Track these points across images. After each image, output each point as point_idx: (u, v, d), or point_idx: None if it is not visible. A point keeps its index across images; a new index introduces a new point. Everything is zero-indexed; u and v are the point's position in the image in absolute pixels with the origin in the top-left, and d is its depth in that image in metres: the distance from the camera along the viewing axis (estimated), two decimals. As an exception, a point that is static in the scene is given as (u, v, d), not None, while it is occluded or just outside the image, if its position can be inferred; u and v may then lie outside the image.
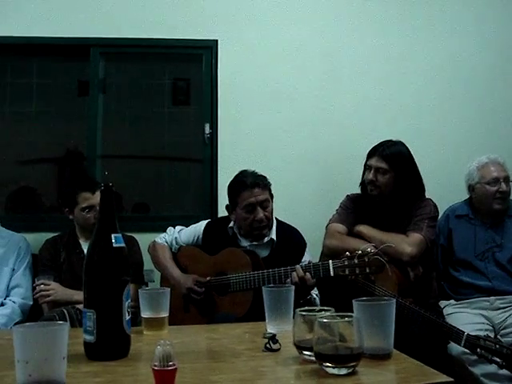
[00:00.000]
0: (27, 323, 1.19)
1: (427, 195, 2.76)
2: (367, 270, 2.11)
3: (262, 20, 3.40)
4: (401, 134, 2.91)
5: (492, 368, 2.23)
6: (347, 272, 2.15)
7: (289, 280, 2.25)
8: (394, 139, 2.76)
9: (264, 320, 1.63)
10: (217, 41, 3.36)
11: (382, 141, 2.75)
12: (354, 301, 1.33)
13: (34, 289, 2.72)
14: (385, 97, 3.42)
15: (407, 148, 2.74)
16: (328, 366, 1.17)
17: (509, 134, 3.43)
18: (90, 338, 1.32)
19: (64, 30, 3.28)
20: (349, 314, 1.24)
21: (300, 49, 3.41)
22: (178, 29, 3.34)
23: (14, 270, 2.82)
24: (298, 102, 3.38)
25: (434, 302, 2.73)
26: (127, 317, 1.36)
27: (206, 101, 3.41)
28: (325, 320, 1.21)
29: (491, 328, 2.56)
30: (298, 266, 2.30)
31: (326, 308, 1.37)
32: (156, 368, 1.09)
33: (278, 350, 1.38)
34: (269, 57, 3.39)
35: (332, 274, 2.20)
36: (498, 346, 2.09)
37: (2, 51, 3.40)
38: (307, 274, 2.26)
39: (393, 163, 2.67)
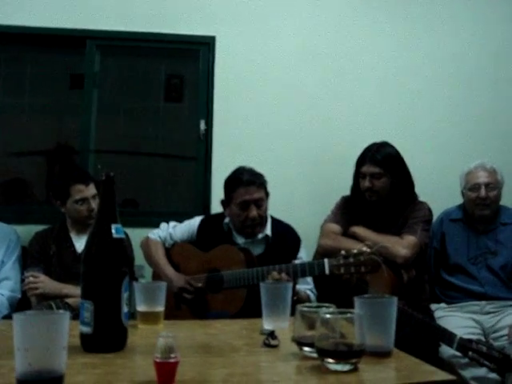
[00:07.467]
0: (28, 311, 1.16)
1: (422, 199, 2.77)
2: (362, 269, 2.10)
3: (261, 17, 3.39)
4: (396, 136, 2.91)
5: (481, 372, 2.23)
6: (342, 271, 2.13)
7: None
8: (378, 141, 2.75)
9: (257, 317, 1.61)
10: (214, 37, 3.35)
11: (367, 146, 2.74)
12: (355, 298, 1.33)
13: (22, 281, 2.68)
14: (381, 99, 3.43)
15: (394, 147, 2.74)
16: (330, 362, 1.16)
17: (506, 138, 3.43)
18: (86, 329, 1.30)
19: (60, 20, 3.24)
20: (350, 310, 1.24)
21: (298, 47, 3.40)
22: (176, 24, 3.32)
23: (3, 262, 2.76)
24: (294, 100, 3.37)
25: (426, 304, 2.73)
26: (125, 309, 1.34)
27: (201, 97, 3.38)
28: (328, 316, 1.20)
29: (481, 332, 2.57)
30: (274, 272, 2.25)
31: (326, 305, 1.36)
32: (158, 360, 1.07)
33: (277, 346, 1.37)
34: (267, 54, 3.37)
35: (327, 272, 2.18)
36: (490, 350, 2.10)
37: (-4, 40, 3.35)
38: (283, 274, 2.24)
39: (386, 166, 2.67)
